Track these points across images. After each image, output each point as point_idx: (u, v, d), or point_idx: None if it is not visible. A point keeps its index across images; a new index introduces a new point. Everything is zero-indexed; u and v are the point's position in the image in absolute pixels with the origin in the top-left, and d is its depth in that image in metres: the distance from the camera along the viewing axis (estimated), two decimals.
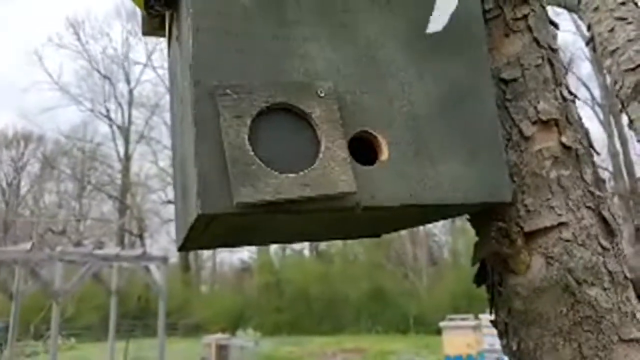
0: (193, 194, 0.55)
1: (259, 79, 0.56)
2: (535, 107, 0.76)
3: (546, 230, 0.71)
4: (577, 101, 0.83)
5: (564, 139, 0.75)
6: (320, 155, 0.56)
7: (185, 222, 0.66)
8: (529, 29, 0.80)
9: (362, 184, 0.57)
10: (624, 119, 1.70)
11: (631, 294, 0.71)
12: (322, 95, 0.57)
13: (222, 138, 0.53)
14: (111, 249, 10.77)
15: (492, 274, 0.77)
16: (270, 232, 0.73)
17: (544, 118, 0.75)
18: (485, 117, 0.68)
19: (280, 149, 0.55)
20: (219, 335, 13.79)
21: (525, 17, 0.80)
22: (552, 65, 0.79)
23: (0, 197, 26.05)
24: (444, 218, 0.78)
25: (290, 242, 0.82)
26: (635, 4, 1.72)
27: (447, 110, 0.65)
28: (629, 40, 1.60)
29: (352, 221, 0.69)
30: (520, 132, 0.75)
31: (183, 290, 22.27)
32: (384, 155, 0.61)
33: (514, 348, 0.74)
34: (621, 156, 18.02)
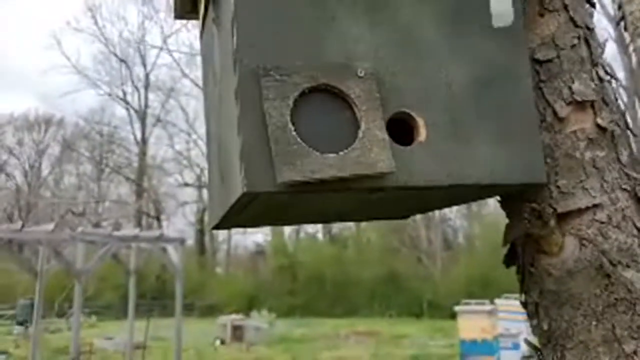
0: (236, 173, 0.56)
1: (301, 60, 0.57)
2: (570, 88, 0.75)
3: (580, 211, 0.71)
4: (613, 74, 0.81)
5: (599, 120, 0.74)
6: (360, 135, 0.57)
7: (224, 201, 0.68)
8: (565, 8, 0.78)
9: (400, 164, 0.58)
10: None
11: None
12: (362, 75, 0.58)
13: (265, 118, 0.54)
14: (129, 230, 10.98)
15: (523, 255, 0.78)
16: (305, 212, 0.74)
17: (579, 99, 0.74)
18: (521, 98, 0.68)
19: (321, 129, 0.56)
20: (234, 316, 14.05)
21: None
22: (588, 45, 0.78)
23: (22, 179, 26.62)
24: (478, 199, 0.78)
25: (324, 222, 0.83)
26: None
27: (484, 91, 0.65)
28: None
29: (388, 201, 0.70)
30: (555, 113, 0.75)
31: (199, 271, 22.65)
32: (422, 135, 0.61)
33: (545, 328, 0.74)
34: None
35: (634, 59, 1.66)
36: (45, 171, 27.42)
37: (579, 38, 0.77)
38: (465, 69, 0.65)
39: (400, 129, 0.62)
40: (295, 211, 0.72)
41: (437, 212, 17.91)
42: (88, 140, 27.52)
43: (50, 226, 7.98)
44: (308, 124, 0.55)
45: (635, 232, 0.71)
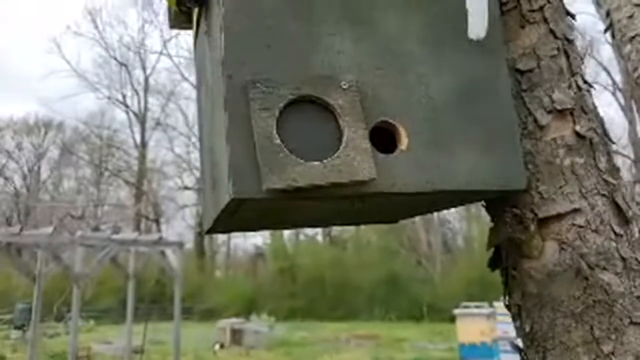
0: (224, 180, 0.59)
1: (287, 72, 0.60)
2: (550, 97, 0.78)
3: (560, 216, 0.73)
4: (597, 86, 0.84)
5: (578, 128, 0.77)
6: (343, 144, 0.59)
7: (215, 207, 0.70)
8: (545, 20, 0.81)
9: (382, 171, 0.61)
10: None
11: None
12: (345, 87, 0.60)
13: (252, 128, 0.56)
14: (128, 233, 11.00)
15: (507, 259, 0.80)
16: (295, 217, 0.77)
17: (559, 107, 0.77)
18: (501, 108, 0.71)
19: (306, 138, 0.59)
20: (234, 320, 14.04)
21: (541, 8, 0.81)
22: (567, 55, 0.81)
23: (21, 183, 26.64)
24: (461, 204, 0.81)
25: (313, 226, 0.86)
26: None
27: (464, 101, 0.68)
28: None
29: (374, 206, 0.72)
30: (536, 121, 0.77)
31: (198, 275, 22.63)
32: (403, 144, 0.64)
33: (527, 330, 0.77)
34: None
35: (628, 64, 1.69)
36: (44, 175, 27.45)
37: (558, 49, 0.80)
38: (445, 79, 0.68)
39: (383, 138, 0.64)
40: (284, 216, 0.75)
41: (435, 215, 17.92)
42: (87, 143, 27.57)
43: (49, 230, 8.00)
44: (293, 134, 0.58)
45: (612, 235, 0.73)
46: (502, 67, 0.73)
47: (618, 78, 18.63)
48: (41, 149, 27.15)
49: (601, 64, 18.72)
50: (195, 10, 0.81)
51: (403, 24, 0.67)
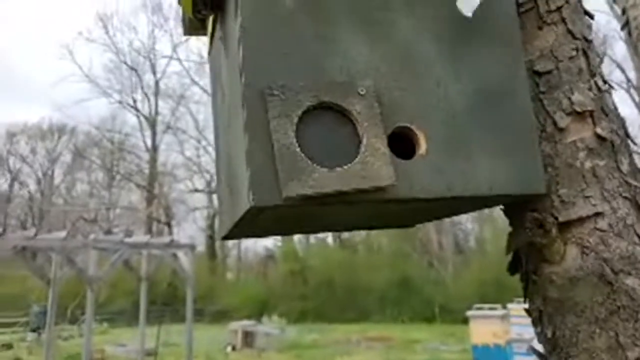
0: (244, 188, 0.59)
1: (304, 79, 0.59)
2: (570, 99, 0.77)
3: (581, 220, 0.72)
4: (612, 84, 0.82)
5: (598, 130, 0.75)
6: (362, 150, 0.59)
7: (233, 213, 0.70)
8: (563, 20, 0.80)
9: (401, 176, 0.60)
10: None
11: None
12: (363, 93, 0.60)
13: (271, 136, 0.56)
14: (140, 236, 11.08)
15: (527, 263, 0.79)
16: (314, 223, 0.76)
17: (578, 109, 0.76)
18: (520, 111, 0.70)
19: (325, 145, 0.58)
20: (245, 322, 14.07)
21: (559, 9, 0.80)
22: (586, 56, 0.79)
23: (36, 187, 26.99)
24: (480, 209, 0.80)
25: (333, 231, 0.86)
26: None
27: (483, 105, 0.67)
28: None
29: (392, 211, 0.72)
30: (555, 123, 0.76)
31: (209, 277, 22.73)
32: (422, 149, 0.63)
33: (549, 336, 0.75)
34: None
35: None
36: (57, 179, 27.79)
37: (577, 50, 0.79)
38: (463, 83, 0.67)
39: (402, 143, 0.64)
40: (302, 222, 0.74)
41: None
42: (99, 148, 27.86)
43: (63, 233, 8.09)
44: (312, 141, 0.58)
45: (636, 239, 0.72)
46: (520, 69, 0.72)
47: (632, 75, 18.38)
48: (55, 153, 27.50)
49: (615, 62, 18.48)
50: (210, 17, 0.81)
51: (419, 26, 0.66)
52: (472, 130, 0.65)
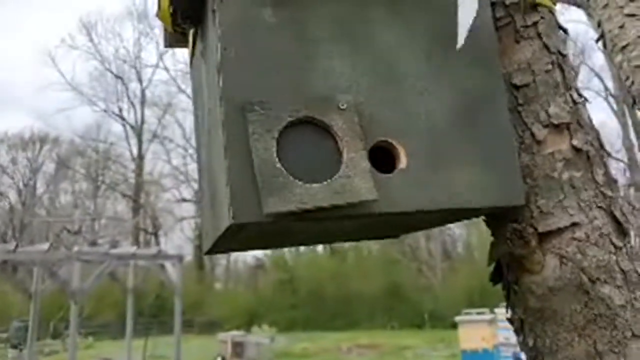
0: (224, 204, 0.59)
1: (284, 94, 0.60)
2: (547, 111, 0.78)
3: (559, 230, 0.74)
4: (590, 92, 0.85)
5: (575, 142, 0.77)
6: (343, 165, 0.59)
7: (215, 228, 0.70)
8: (539, 35, 0.82)
9: (382, 191, 0.61)
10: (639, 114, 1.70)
11: None
12: (343, 108, 0.61)
13: (251, 151, 0.57)
14: (126, 247, 10.94)
15: (508, 273, 0.80)
16: (297, 236, 0.77)
17: (555, 122, 0.78)
18: (499, 124, 0.71)
19: (305, 160, 0.59)
20: (235, 332, 13.93)
21: (535, 24, 0.82)
22: (562, 69, 0.81)
23: (17, 198, 26.52)
24: (460, 220, 0.81)
25: (316, 243, 0.86)
26: None
27: (463, 118, 0.68)
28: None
29: (374, 224, 0.72)
30: (533, 135, 0.78)
31: (198, 287, 22.50)
32: (403, 163, 0.64)
33: (531, 344, 0.76)
34: (636, 148, 17.77)
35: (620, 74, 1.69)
36: (40, 189, 27.35)
37: (552, 63, 0.80)
38: (443, 98, 0.68)
39: (382, 158, 0.64)
40: (285, 236, 0.74)
41: None
42: (83, 157, 27.52)
43: (45, 246, 7.95)
44: (293, 156, 0.58)
45: (612, 249, 0.73)
46: (499, 83, 0.74)
47: (610, 84, 18.78)
48: (36, 163, 27.09)
49: (594, 70, 18.88)
50: (191, 30, 0.81)
51: (400, 41, 0.67)
52: (452, 144, 0.67)
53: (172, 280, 9.87)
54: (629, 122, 17.87)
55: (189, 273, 20.01)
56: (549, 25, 0.83)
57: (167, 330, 12.88)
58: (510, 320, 0.82)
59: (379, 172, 0.62)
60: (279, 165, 0.57)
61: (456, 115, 0.68)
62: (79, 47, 27.08)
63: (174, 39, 0.92)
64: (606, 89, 19.11)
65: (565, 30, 0.87)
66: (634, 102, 1.72)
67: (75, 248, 8.76)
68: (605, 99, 19.20)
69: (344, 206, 0.58)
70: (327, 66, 0.63)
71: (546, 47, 0.81)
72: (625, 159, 17.88)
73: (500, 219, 0.78)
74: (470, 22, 0.68)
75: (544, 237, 0.74)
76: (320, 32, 0.64)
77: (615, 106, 18.82)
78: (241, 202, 0.56)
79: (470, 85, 0.71)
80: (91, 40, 26.63)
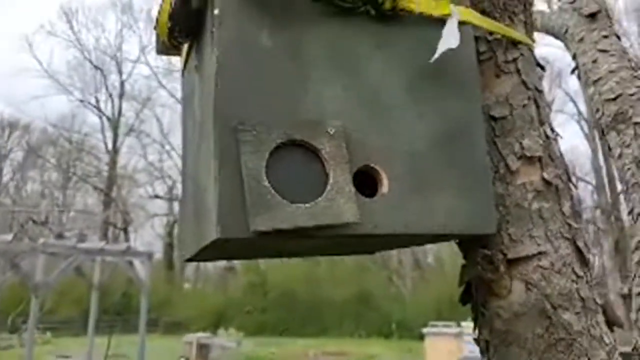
0: (211, 217, 0.61)
1: (277, 116, 0.62)
2: (521, 144, 0.83)
3: (527, 258, 0.78)
4: (564, 115, 0.90)
5: (545, 175, 0.82)
6: (328, 187, 0.62)
7: (198, 239, 0.72)
8: (518, 71, 0.87)
9: (364, 214, 0.64)
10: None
11: (600, 318, 0.79)
12: (332, 133, 0.64)
13: (241, 170, 0.59)
14: (94, 242, 10.69)
15: (477, 296, 0.84)
16: (279, 250, 0.79)
17: (528, 154, 0.82)
18: (476, 154, 0.75)
19: (293, 181, 0.61)
20: (201, 334, 13.74)
21: (515, 60, 0.87)
22: (537, 105, 0.86)
23: None
24: (434, 243, 0.85)
25: (297, 256, 0.88)
26: (618, 37, 1.81)
27: (443, 147, 0.72)
28: (611, 72, 1.70)
29: (354, 243, 0.75)
30: (507, 166, 0.82)
31: (166, 286, 22.14)
32: (385, 188, 0.67)
33: None
34: (604, 170, 18.40)
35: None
36: (6, 177, 26.50)
37: (529, 99, 0.85)
38: (426, 126, 0.72)
39: (366, 181, 0.67)
40: (268, 249, 0.77)
41: None
42: (56, 147, 26.81)
43: (9, 236, 7.71)
44: (281, 176, 0.60)
45: (574, 277, 0.78)
46: (478, 114, 0.78)
47: (583, 108, 19.44)
48: (4, 149, 26.26)
49: (568, 95, 19.49)
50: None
51: (386, 71, 0.71)
52: (433, 171, 0.70)
53: (140, 278, 9.70)
54: (599, 145, 18.50)
55: (157, 271, 19.68)
56: (527, 62, 0.88)
57: (131, 329, 12.61)
58: (476, 341, 0.86)
59: (362, 195, 0.65)
60: (267, 184, 0.59)
61: (436, 143, 0.72)
62: (59, 35, 26.49)
63: (166, 47, 0.93)
64: (579, 112, 19.77)
65: (542, 67, 0.92)
66: (603, 133, 1.80)
67: (41, 240, 8.53)
68: (578, 122, 19.85)
69: (327, 227, 0.61)
70: (318, 92, 0.66)
71: (524, 83, 0.86)
72: (594, 181, 18.49)
73: (471, 244, 0.82)
74: (446, 48, 0.72)
75: (512, 263, 0.78)
76: (313, 58, 0.67)
77: (587, 130, 19.47)
78: (229, 217, 0.58)
79: (451, 115, 0.74)
80: (71, 28, 26.07)
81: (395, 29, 0.72)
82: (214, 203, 0.60)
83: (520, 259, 0.78)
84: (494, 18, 0.87)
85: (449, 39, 0.73)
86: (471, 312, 0.87)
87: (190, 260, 0.84)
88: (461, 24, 0.77)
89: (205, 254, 0.73)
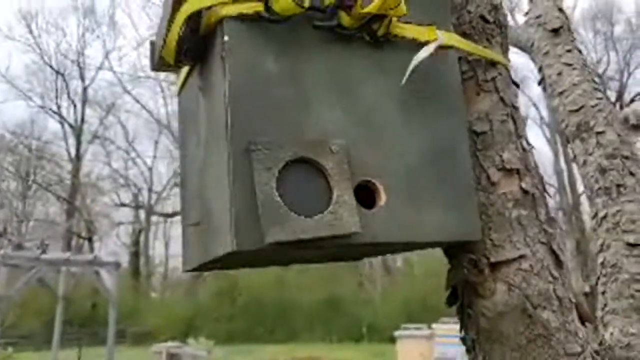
0: (224, 231, 0.65)
1: (284, 136, 0.67)
2: (501, 157, 0.90)
3: (508, 262, 0.85)
4: (528, 121, 0.98)
5: (523, 185, 0.89)
6: (333, 201, 0.67)
7: (206, 252, 0.75)
8: (497, 89, 0.94)
9: (365, 224, 0.69)
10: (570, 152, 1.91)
11: (574, 315, 0.86)
12: (335, 151, 0.69)
13: (253, 186, 0.63)
14: (58, 252, 10.37)
15: (463, 297, 0.90)
16: (280, 260, 0.83)
17: (508, 167, 0.90)
18: (462, 167, 0.82)
19: (301, 195, 0.66)
20: (170, 343, 13.47)
21: (493, 79, 0.95)
22: (514, 120, 0.94)
23: None
24: (424, 249, 0.91)
25: (292, 264, 0.93)
26: (579, 51, 1.94)
27: (433, 162, 0.78)
28: (574, 84, 1.82)
29: (352, 251, 0.80)
30: (488, 177, 0.90)
31: (133, 296, 21.61)
32: (382, 200, 0.73)
33: None
34: (565, 173, 19.17)
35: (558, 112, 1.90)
36: None
37: (507, 115, 0.93)
38: (417, 142, 0.78)
39: (365, 195, 0.73)
40: (270, 259, 0.81)
41: None
42: (14, 154, 25.80)
43: None
44: (290, 191, 0.65)
45: (550, 278, 0.86)
46: (464, 130, 0.84)
47: (545, 113, 20.24)
48: None
49: (532, 100, 20.22)
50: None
51: (380, 94, 0.77)
52: (425, 184, 0.76)
53: (107, 288, 9.46)
54: (560, 149, 19.27)
55: (123, 281, 19.17)
56: (505, 80, 0.96)
57: (97, 341, 12.25)
58: (463, 340, 0.92)
59: (362, 207, 0.70)
60: (279, 199, 0.63)
61: (427, 159, 0.78)
62: (17, 38, 25.57)
63: (162, 63, 0.96)
64: (541, 117, 20.56)
65: (517, 85, 1.00)
66: (568, 142, 1.92)
67: (0, 251, 8.22)
68: (540, 127, 20.63)
69: (333, 237, 0.66)
70: (321, 114, 0.71)
71: (502, 100, 0.93)
72: (556, 184, 19.24)
73: (457, 250, 0.88)
74: (417, 62, 0.78)
75: (495, 266, 0.85)
76: (315, 82, 0.72)
77: (548, 134, 20.26)
78: (244, 231, 0.62)
79: (440, 132, 0.81)
80: (30, 32, 25.23)
81: (389, 54, 0.78)
82: (226, 216, 0.64)
83: (502, 262, 0.85)
84: (474, 40, 0.94)
85: (421, 54, 0.79)
86: (457, 313, 0.94)
87: (192, 271, 0.87)
88: (446, 47, 0.84)
89: (212, 265, 0.77)
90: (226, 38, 0.68)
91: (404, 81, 0.76)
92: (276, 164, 0.65)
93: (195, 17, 0.71)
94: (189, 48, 0.73)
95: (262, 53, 0.70)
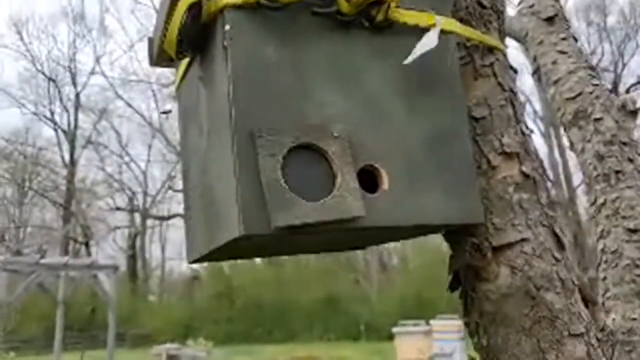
0: (231, 218, 0.65)
1: (287, 122, 0.67)
2: (500, 141, 0.91)
3: (510, 245, 0.86)
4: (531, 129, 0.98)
5: (523, 168, 0.90)
6: (336, 185, 0.67)
7: (210, 241, 0.75)
8: (495, 74, 0.95)
9: (368, 208, 0.69)
10: (565, 139, 1.92)
11: (577, 296, 0.87)
12: (337, 135, 0.69)
13: (259, 172, 0.63)
14: (56, 257, 10.33)
15: (466, 282, 0.91)
16: (285, 248, 0.83)
17: (507, 150, 0.90)
18: (463, 152, 0.82)
19: (305, 180, 0.66)
20: (169, 345, 13.44)
21: (491, 64, 0.95)
22: (513, 105, 0.95)
23: None
24: (427, 234, 0.91)
25: (298, 254, 0.93)
26: (575, 39, 1.95)
27: (435, 145, 0.79)
28: (570, 72, 1.83)
29: (356, 237, 0.81)
30: (488, 162, 0.90)
31: (131, 299, 21.56)
32: (385, 185, 0.73)
33: (484, 344, 0.88)
34: (560, 166, 19.25)
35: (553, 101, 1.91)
36: None
37: (506, 100, 0.93)
38: (419, 127, 0.78)
39: (368, 179, 0.73)
40: (276, 248, 0.81)
41: None
42: (9, 161, 25.64)
43: None
44: (294, 176, 0.65)
45: (553, 261, 0.86)
46: (464, 115, 0.85)
47: (538, 106, 20.30)
48: None
49: (524, 94, 20.25)
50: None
51: (382, 80, 0.77)
52: (427, 168, 0.77)
53: (106, 291, 9.44)
54: (554, 142, 19.34)
55: (121, 284, 19.11)
56: (502, 65, 0.97)
57: (97, 345, 12.22)
58: (466, 324, 0.93)
59: (365, 192, 0.71)
60: (284, 184, 0.64)
61: (429, 143, 0.79)
62: (8, 46, 25.41)
63: (161, 58, 0.96)
64: (535, 111, 20.61)
65: (515, 70, 1.01)
66: (565, 130, 1.93)
67: (0, 257, 8.18)
68: (534, 120, 20.68)
69: (338, 221, 0.66)
70: (322, 100, 0.71)
71: (500, 85, 0.94)
72: (551, 177, 19.29)
73: (459, 235, 0.89)
74: (424, 50, 0.78)
75: (498, 250, 0.86)
76: (316, 68, 0.72)
77: (542, 128, 20.31)
78: (251, 216, 0.62)
79: (441, 117, 0.81)
80: (22, 39, 25.07)
81: (388, 39, 0.78)
82: (233, 204, 0.64)
83: (505, 245, 0.86)
84: (472, 26, 0.95)
85: (428, 41, 0.79)
86: (460, 298, 0.94)
87: (197, 261, 0.87)
88: (445, 32, 0.85)
89: (217, 254, 0.77)
90: (227, 27, 0.68)
91: (408, 60, 0.75)
92: (280, 149, 0.65)
93: (196, 7, 0.71)
94: (191, 38, 0.73)
95: (262, 41, 0.70)
